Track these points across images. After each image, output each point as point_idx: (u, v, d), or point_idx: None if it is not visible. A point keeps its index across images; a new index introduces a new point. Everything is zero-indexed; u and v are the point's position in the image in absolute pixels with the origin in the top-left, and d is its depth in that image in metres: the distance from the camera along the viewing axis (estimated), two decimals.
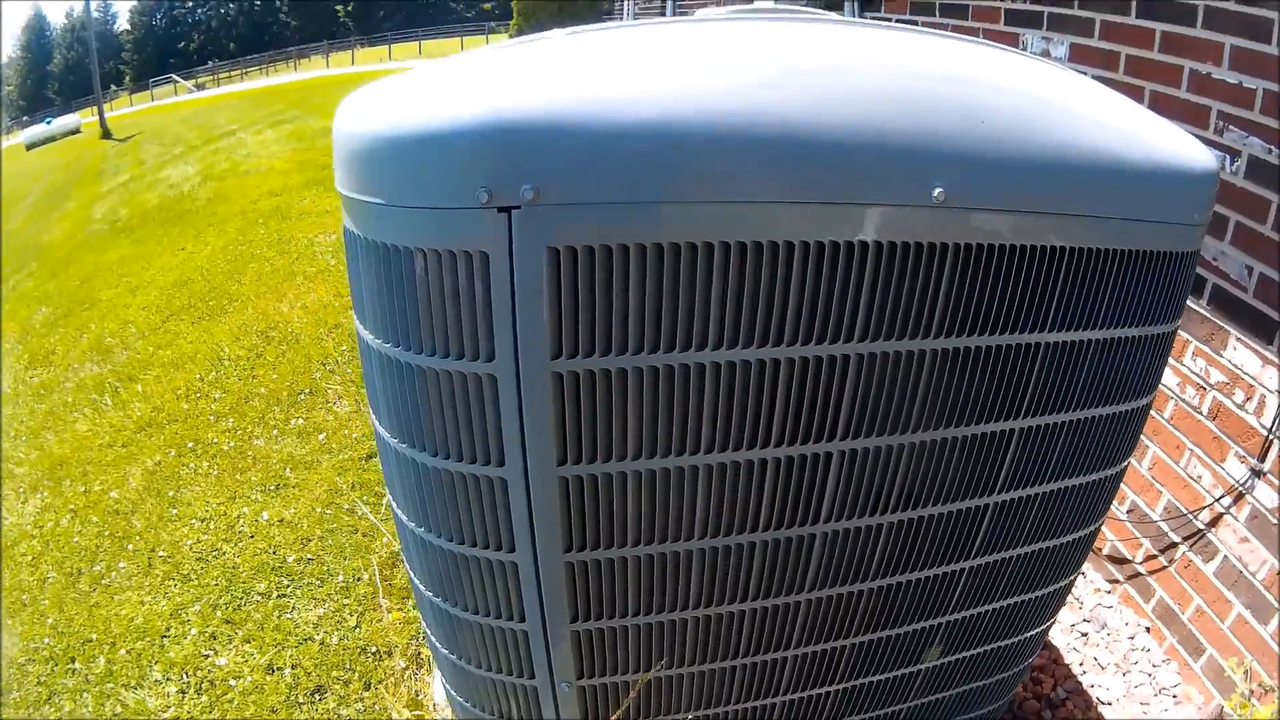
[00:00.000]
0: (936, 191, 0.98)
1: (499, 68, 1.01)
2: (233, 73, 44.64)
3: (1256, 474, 2.10)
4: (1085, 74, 2.55)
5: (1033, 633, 1.61)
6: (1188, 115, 2.22)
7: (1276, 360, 2.05)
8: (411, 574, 1.37)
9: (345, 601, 2.72)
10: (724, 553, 1.20)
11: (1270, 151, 2.03)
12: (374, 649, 2.49)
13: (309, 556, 2.99)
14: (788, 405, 1.08)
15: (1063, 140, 1.06)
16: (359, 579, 2.82)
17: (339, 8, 62.95)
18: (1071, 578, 1.57)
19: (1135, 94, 2.41)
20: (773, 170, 0.95)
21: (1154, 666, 2.38)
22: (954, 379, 1.13)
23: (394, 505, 1.29)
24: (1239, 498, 2.18)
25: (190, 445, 3.98)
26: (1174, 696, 2.30)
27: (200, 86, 40.24)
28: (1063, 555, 1.46)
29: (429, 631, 1.45)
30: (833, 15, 1.46)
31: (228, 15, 65.52)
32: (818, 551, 1.24)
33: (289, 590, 2.82)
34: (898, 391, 1.11)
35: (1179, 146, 1.16)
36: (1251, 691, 2.10)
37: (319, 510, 3.26)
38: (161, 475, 3.76)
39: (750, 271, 0.98)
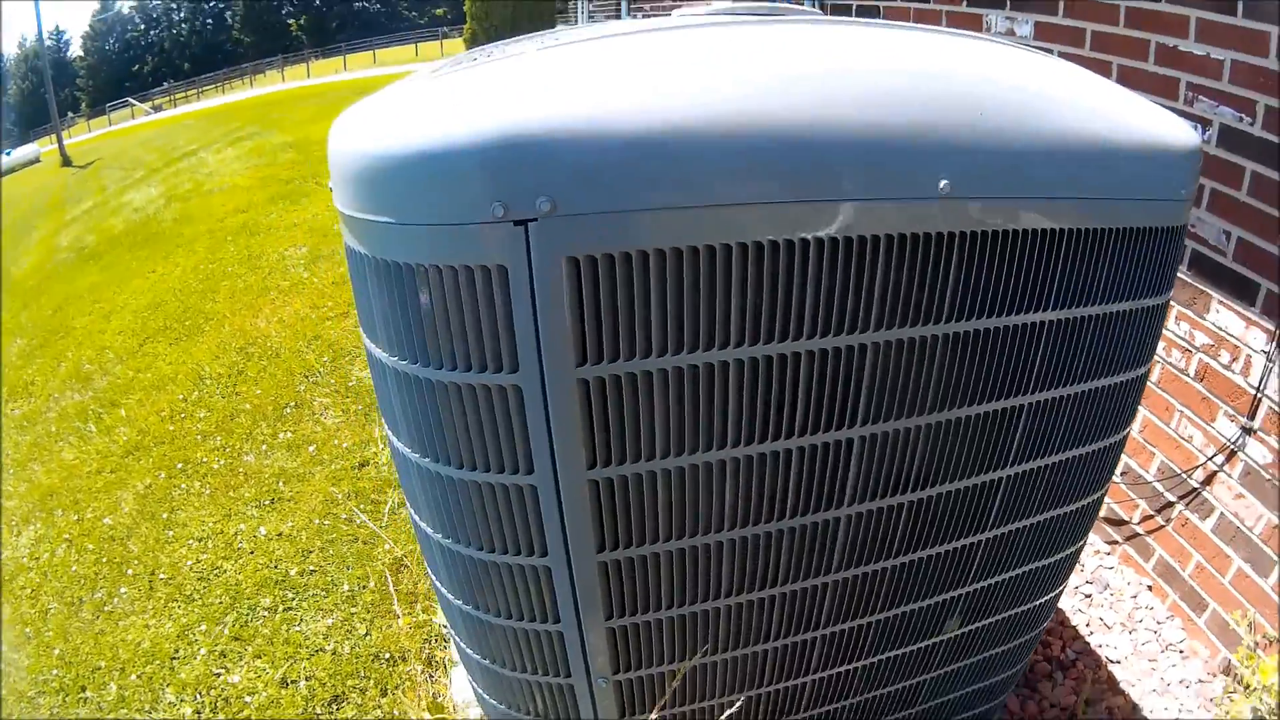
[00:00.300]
0: (942, 184, 1.00)
1: (499, 81, 1.00)
2: (189, 93, 43.85)
3: (1247, 431, 2.13)
4: (1052, 52, 2.63)
5: (1046, 598, 1.63)
6: (1156, 88, 2.24)
7: (1259, 320, 2.08)
8: (438, 584, 1.35)
9: (353, 610, 2.69)
10: (752, 541, 1.21)
11: (1241, 119, 2.05)
12: (387, 655, 2.46)
13: (311, 568, 2.95)
14: (809, 396, 1.09)
15: (1055, 127, 1.09)
16: (364, 587, 2.79)
17: (291, 22, 62.15)
18: (1081, 543, 1.59)
19: (1103, 69, 2.44)
20: (783, 171, 0.96)
21: (1158, 624, 2.41)
22: (964, 361, 1.15)
23: (416, 519, 1.27)
24: (1231, 455, 2.21)
25: (180, 466, 3.91)
26: (1180, 652, 2.32)
27: (157, 108, 39.53)
28: (1072, 522, 1.48)
29: (457, 638, 1.43)
30: (802, 9, 1.45)
31: (180, 36, 64.34)
32: (842, 534, 1.25)
33: (295, 603, 2.79)
34: (912, 376, 1.13)
35: (1162, 125, 1.19)
36: (1256, 643, 2.12)
37: (317, 521, 3.22)
38: (154, 498, 3.70)
39: (767, 270, 0.99)
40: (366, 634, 2.57)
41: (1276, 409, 2.05)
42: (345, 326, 5.23)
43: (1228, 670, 2.22)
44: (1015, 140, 1.05)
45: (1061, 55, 2.58)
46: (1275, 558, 2.08)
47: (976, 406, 1.19)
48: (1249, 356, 2.12)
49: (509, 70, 1.02)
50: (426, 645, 2.43)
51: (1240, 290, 2.11)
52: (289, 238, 7.65)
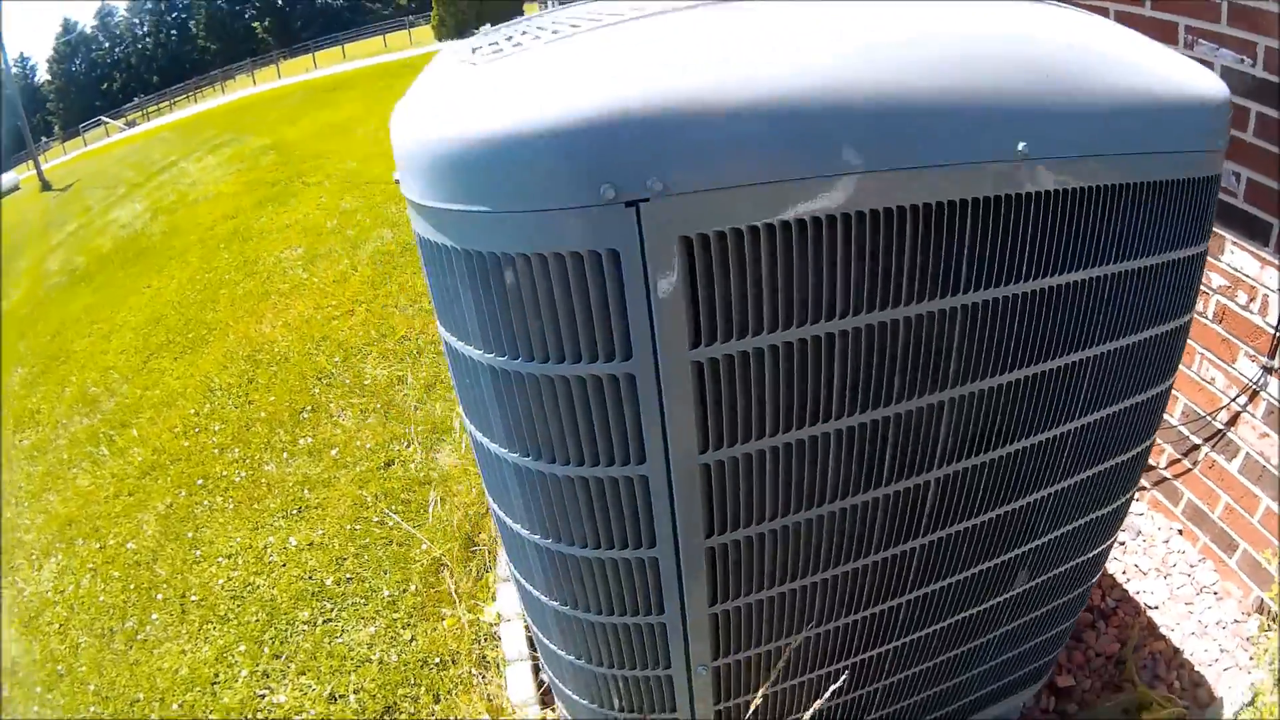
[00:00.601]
0: (1021, 146, 0.99)
1: (588, 59, 0.95)
2: (160, 105, 43.01)
3: (1268, 371, 2.11)
4: None
5: (1102, 547, 1.64)
6: (1155, 31, 2.18)
7: (1273, 260, 2.06)
8: (528, 585, 1.31)
9: (395, 616, 2.59)
10: (850, 512, 1.20)
11: (1242, 61, 2.01)
12: (437, 660, 2.36)
13: (347, 576, 2.84)
14: (905, 361, 1.08)
15: (1111, 85, 1.09)
16: (404, 591, 2.68)
17: (256, 25, 61.29)
18: (1132, 491, 1.59)
19: (1099, 13, 2.38)
20: (880, 140, 0.93)
21: (1191, 567, 2.40)
22: (1038, 319, 1.15)
23: (507, 520, 1.23)
24: (1254, 395, 2.19)
25: (200, 482, 3.80)
26: (1215, 594, 2.32)
27: (131, 124, 38.87)
28: (1126, 470, 1.49)
29: (545, 638, 1.39)
30: None
31: (146, 50, 63.25)
32: (931, 497, 1.24)
33: (334, 614, 2.68)
34: (997, 336, 1.13)
35: (1198, 77, 1.19)
36: None
37: (348, 527, 3.11)
38: (176, 517, 3.59)
39: (869, 238, 0.97)
40: (412, 640, 2.47)
41: None
42: (352, 325, 5.10)
43: (1261, 609, 2.22)
44: (1079, 100, 1.05)
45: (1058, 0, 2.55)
46: None
47: (1050, 362, 1.20)
48: (1266, 296, 2.09)
49: (592, 47, 0.98)
50: (476, 646, 2.32)
51: (1253, 230, 2.08)
52: (283, 240, 7.49)
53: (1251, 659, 2.15)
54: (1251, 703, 1.97)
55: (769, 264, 0.94)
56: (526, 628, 2.31)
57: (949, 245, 1.01)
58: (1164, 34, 2.17)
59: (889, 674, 1.52)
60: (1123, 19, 2.31)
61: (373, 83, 19.40)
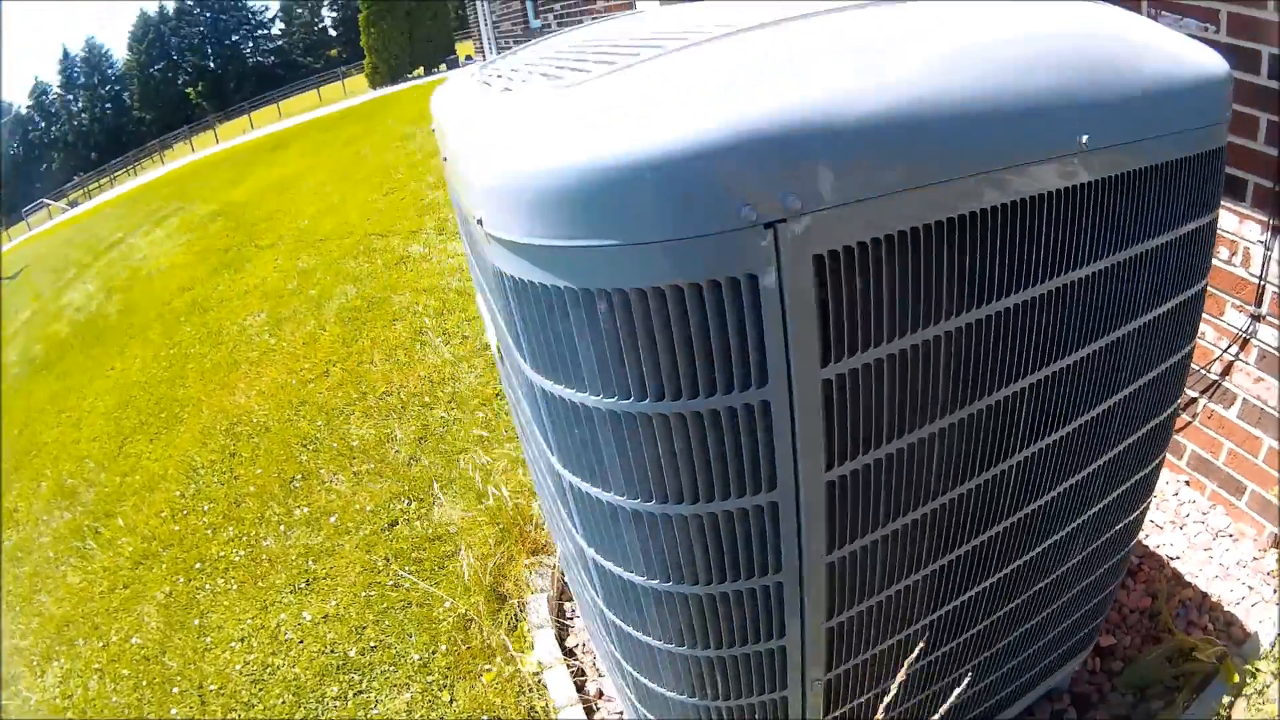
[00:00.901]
0: (1084, 139, 1.02)
1: (693, 77, 0.94)
2: (101, 182, 41.97)
3: (1256, 318, 2.17)
4: None
5: (1143, 506, 1.69)
6: (1118, 4, 2.25)
7: (1251, 214, 2.11)
8: (636, 633, 1.24)
9: (430, 679, 2.50)
10: (957, 502, 1.21)
11: (1206, 29, 2.05)
12: (482, 717, 2.27)
13: (371, 644, 2.74)
14: (1010, 348, 1.11)
15: (1142, 72, 1.13)
16: (434, 652, 2.59)
17: (189, 90, 60.55)
18: (1165, 450, 1.63)
19: None
20: (984, 143, 0.95)
21: (1204, 514, 2.46)
22: (1100, 297, 1.18)
23: (614, 570, 1.16)
24: (1244, 344, 2.25)
25: (197, 566, 3.66)
26: (1230, 536, 2.37)
27: (73, 204, 37.93)
28: (1163, 430, 1.54)
29: (650, 682, 1.33)
30: None
31: (82, 125, 62.01)
32: (1013, 480, 1.26)
33: (364, 685, 2.58)
34: (1071, 317, 1.16)
35: (1202, 56, 1.22)
36: None
37: (362, 594, 3.01)
38: (178, 605, 3.44)
39: (976, 239, 0.99)
40: (452, 701, 2.38)
41: None
42: (329, 386, 4.99)
43: (1276, 543, 2.27)
44: (1120, 89, 1.08)
45: None
46: None
47: (1108, 336, 1.24)
48: (1247, 249, 2.14)
49: (695, 66, 0.97)
50: (523, 697, 2.25)
51: (1229, 187, 2.11)
52: (244, 306, 7.33)
53: (1275, 592, 2.18)
54: None
55: (888, 274, 0.93)
56: (577, 673, 2.25)
57: (1025, 240, 1.03)
58: (1126, 7, 2.19)
59: (970, 658, 1.52)
60: None
61: (313, 137, 19.17)
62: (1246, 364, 2.24)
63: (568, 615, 2.57)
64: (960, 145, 0.93)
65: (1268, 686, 1.89)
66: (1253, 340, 2.20)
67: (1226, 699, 1.91)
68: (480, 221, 0.99)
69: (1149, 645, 2.13)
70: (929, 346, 1.01)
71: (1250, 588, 2.23)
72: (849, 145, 0.86)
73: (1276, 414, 2.18)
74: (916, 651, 1.31)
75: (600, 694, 2.30)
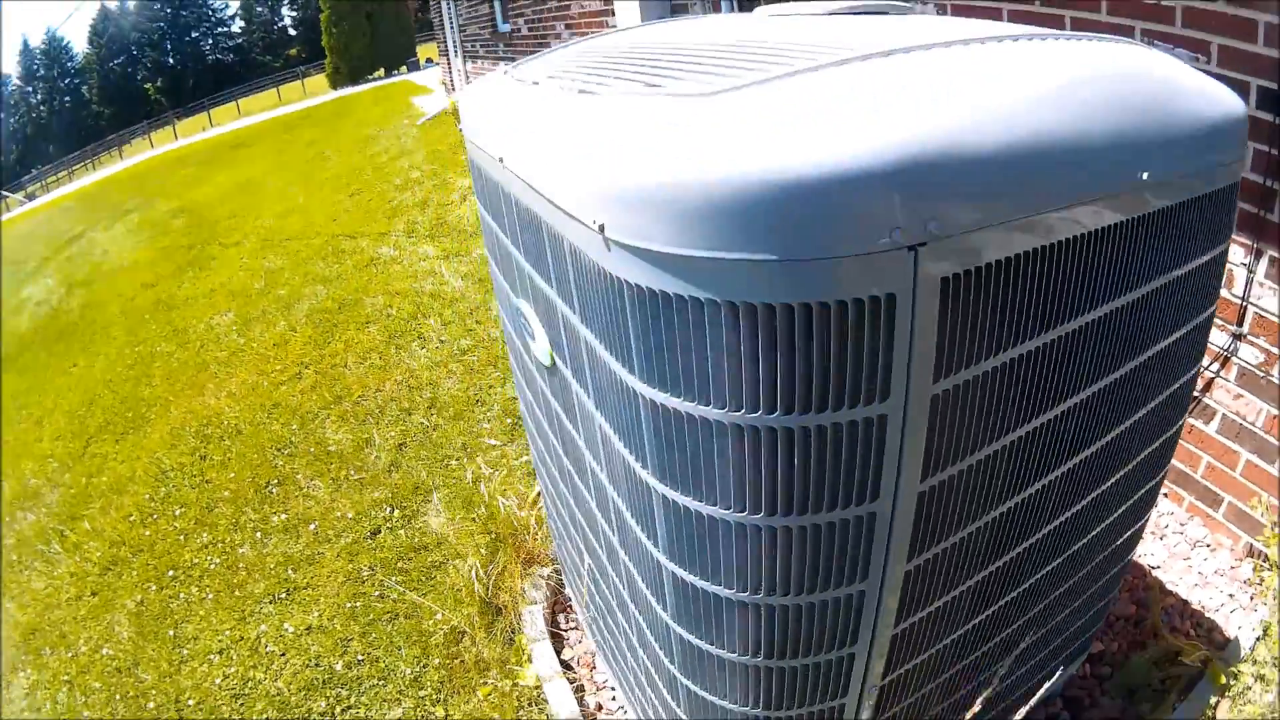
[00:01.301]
0: (1144, 175, 1.06)
1: (835, 96, 0.94)
2: (59, 175, 40.38)
3: (1237, 337, 2.19)
4: (1002, 9, 2.60)
5: (1148, 514, 1.73)
6: (1111, 35, 2.28)
7: (1236, 238, 2.10)
8: (709, 646, 1.21)
9: (422, 694, 2.37)
10: (1008, 513, 1.22)
11: (1197, 60, 2.14)
12: None
13: (358, 657, 2.60)
14: (1070, 368, 1.14)
15: (1183, 111, 1.16)
16: (425, 666, 2.47)
17: (148, 86, 58.73)
18: (1171, 459, 1.69)
19: (1055, 21, 2.40)
20: (1068, 177, 0.98)
21: (1182, 526, 2.48)
22: (1141, 319, 1.23)
23: (691, 581, 1.13)
24: (1225, 361, 2.27)
25: (170, 573, 3.46)
26: (1208, 546, 2.40)
27: (31, 197, 36.53)
28: (1171, 442, 1.60)
29: (712, 696, 1.29)
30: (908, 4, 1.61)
31: (40, 118, 59.62)
32: (1056, 490, 1.29)
33: (352, 700, 2.45)
34: (1117, 337, 1.21)
35: (1222, 94, 1.25)
36: (1274, 523, 2.22)
37: (346, 605, 2.86)
38: (150, 615, 3.24)
39: (1056, 267, 1.01)
40: (447, 717, 2.26)
41: (1261, 312, 2.11)
42: (302, 389, 4.80)
43: (1252, 552, 2.31)
44: (1173, 127, 1.12)
45: (1011, 9, 2.59)
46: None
47: (1142, 355, 1.30)
48: (1230, 270, 2.15)
49: (838, 87, 0.97)
50: (522, 711, 2.14)
51: None
52: (210, 305, 7.05)
53: (1252, 599, 2.24)
54: (1262, 637, 2.04)
55: (991, 297, 0.96)
56: (576, 688, 2.15)
57: (1106, 263, 1.08)
58: (1121, 34, 2.19)
59: (1001, 639, 1.52)
60: (1079, 25, 2.33)
61: (275, 136, 18.67)
62: (1227, 381, 2.25)
63: (562, 628, 2.47)
64: (1056, 179, 0.96)
65: (1249, 688, 1.92)
66: (1233, 358, 2.22)
67: (1213, 699, 1.94)
68: (602, 228, 0.95)
69: (1135, 650, 2.15)
70: (1012, 365, 1.04)
71: (1230, 595, 2.26)
72: (982, 175, 0.88)
73: (1255, 429, 2.22)
74: (957, 652, 1.34)
75: (600, 707, 2.20)
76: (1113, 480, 1.43)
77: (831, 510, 1.00)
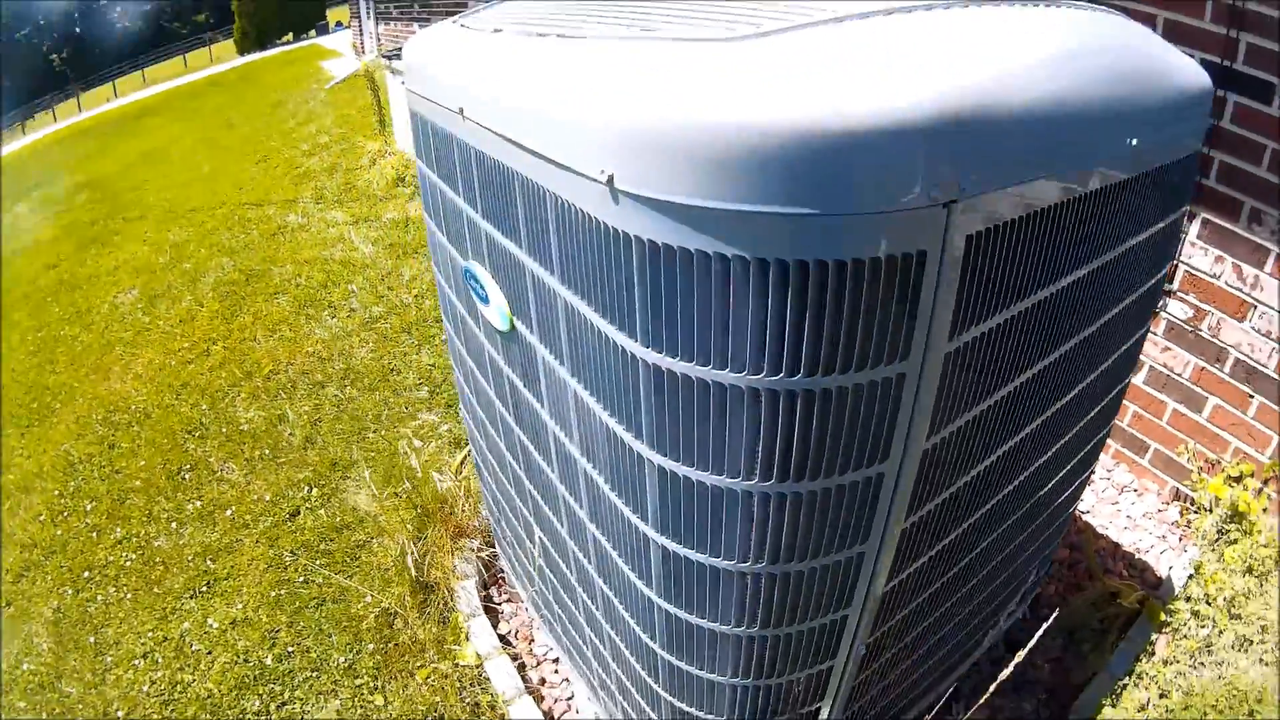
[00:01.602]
0: (1134, 141, 1.08)
1: (880, 51, 0.88)
2: None
3: (1168, 294, 2.24)
4: None
5: (1096, 462, 1.77)
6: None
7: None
8: (707, 622, 1.15)
9: (358, 682, 2.21)
10: (997, 461, 1.22)
11: None
12: (423, 718, 2.02)
13: (288, 649, 2.42)
14: (1061, 319, 1.15)
15: (1160, 82, 1.16)
16: (358, 653, 2.30)
17: (53, 57, 54.73)
18: (1119, 409, 1.75)
19: None
20: (1084, 138, 0.99)
21: (1109, 472, 2.54)
22: (1115, 275, 1.24)
23: (683, 554, 1.07)
24: (1153, 316, 2.38)
25: (85, 575, 3.18)
26: (1135, 491, 2.46)
27: None
28: (1122, 393, 1.63)
29: (703, 670, 1.24)
30: None
31: None
32: (1035, 436, 1.30)
33: (286, 695, 2.27)
34: (1097, 292, 1.22)
35: (1191, 67, 1.25)
36: (1199, 468, 2.29)
37: (271, 594, 2.66)
38: (69, 622, 2.97)
39: (1060, 225, 1.01)
40: (386, 704, 2.11)
41: (1192, 271, 2.17)
42: (210, 366, 4.48)
43: (1178, 496, 2.37)
44: (1159, 96, 1.14)
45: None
46: (1204, 393, 2.25)
47: (1115, 308, 1.30)
48: None
49: (869, 40, 0.91)
50: (465, 692, 2.00)
51: None
52: (114, 283, 6.57)
53: (1181, 540, 2.29)
54: (1195, 575, 2.08)
55: (1013, 251, 0.94)
56: (517, 663, 2.02)
57: (1083, 227, 1.07)
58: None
59: (985, 566, 1.52)
60: None
61: (181, 104, 17.57)
62: (1155, 334, 2.30)
63: (496, 601, 2.32)
64: (1069, 141, 0.96)
65: (1186, 623, 1.96)
66: (1162, 314, 2.27)
67: (1153, 635, 1.97)
68: (610, 179, 0.85)
69: (1073, 593, 2.17)
70: (1014, 321, 1.02)
71: (1160, 536, 2.31)
72: (1010, 134, 0.86)
73: (1182, 380, 2.28)
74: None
75: (544, 681, 2.08)
76: (1075, 430, 1.44)
77: (843, 474, 0.96)
